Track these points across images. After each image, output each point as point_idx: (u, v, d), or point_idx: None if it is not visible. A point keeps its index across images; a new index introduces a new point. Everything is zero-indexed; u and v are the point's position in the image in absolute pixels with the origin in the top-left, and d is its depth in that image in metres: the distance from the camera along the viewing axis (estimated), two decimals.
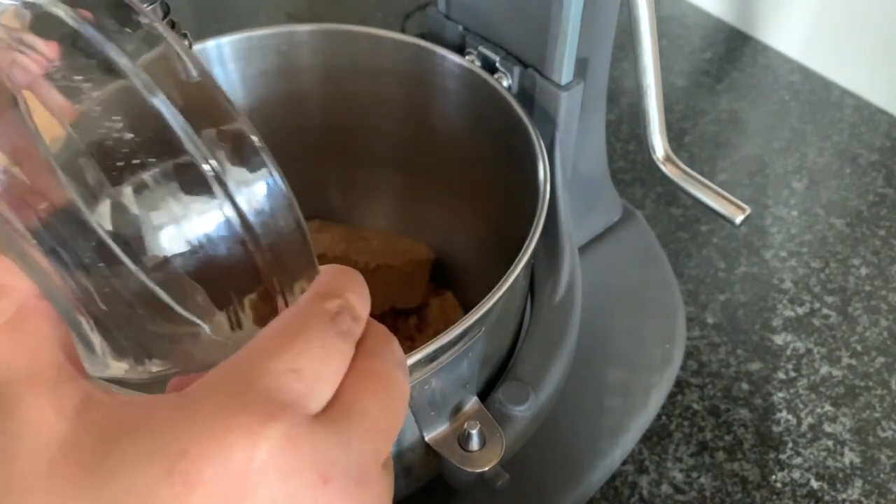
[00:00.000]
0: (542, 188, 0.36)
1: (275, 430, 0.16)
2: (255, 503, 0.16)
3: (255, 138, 0.19)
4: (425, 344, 0.30)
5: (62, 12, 0.18)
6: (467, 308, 0.32)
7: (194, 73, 0.19)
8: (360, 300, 0.21)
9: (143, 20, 0.19)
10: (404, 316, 0.49)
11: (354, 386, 0.19)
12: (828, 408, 0.49)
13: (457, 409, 0.34)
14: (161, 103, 0.18)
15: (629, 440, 0.46)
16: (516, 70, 0.43)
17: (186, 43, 0.34)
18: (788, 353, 0.52)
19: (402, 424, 0.20)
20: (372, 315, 0.55)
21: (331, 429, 0.18)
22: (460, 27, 0.46)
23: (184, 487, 0.16)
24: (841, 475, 0.46)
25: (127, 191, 0.17)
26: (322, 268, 0.21)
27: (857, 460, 0.47)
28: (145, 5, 0.32)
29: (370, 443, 0.19)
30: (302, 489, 0.17)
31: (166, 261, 0.18)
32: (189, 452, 0.16)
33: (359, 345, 0.20)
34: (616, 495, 0.45)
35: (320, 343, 0.19)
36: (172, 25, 0.33)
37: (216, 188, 0.18)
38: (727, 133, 0.68)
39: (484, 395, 0.36)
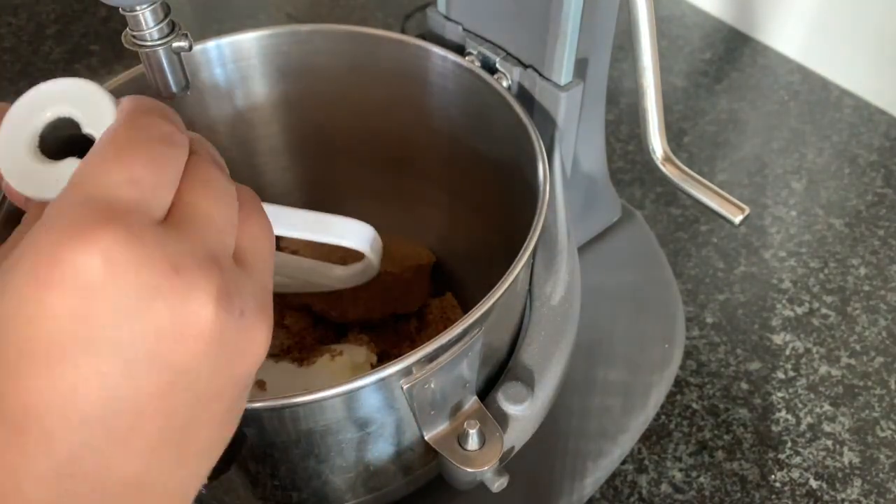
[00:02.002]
0: (541, 188, 0.36)
1: (116, 231, 0.19)
2: (113, 294, 0.19)
3: None
4: (425, 344, 0.30)
5: None
6: (467, 308, 0.32)
7: None
8: (171, 112, 0.23)
9: None
10: (405, 319, 0.49)
11: (192, 192, 0.21)
12: (827, 407, 0.49)
13: (456, 409, 0.34)
14: None
15: (628, 439, 0.46)
16: (516, 70, 0.43)
17: (187, 44, 0.34)
18: (787, 352, 0.52)
19: (234, 221, 0.23)
20: (372, 321, 0.55)
21: (176, 229, 0.20)
22: (460, 28, 0.46)
23: (43, 287, 0.18)
24: (840, 475, 0.46)
25: None
26: (122, 99, 0.23)
27: (856, 460, 0.47)
28: (145, 7, 0.32)
29: (215, 236, 0.21)
30: (155, 277, 0.19)
31: None
32: (44, 259, 0.18)
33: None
34: (616, 495, 0.45)
35: (151, 153, 0.21)
36: (173, 26, 0.33)
37: None
38: (726, 133, 0.68)
39: (484, 394, 0.36)
